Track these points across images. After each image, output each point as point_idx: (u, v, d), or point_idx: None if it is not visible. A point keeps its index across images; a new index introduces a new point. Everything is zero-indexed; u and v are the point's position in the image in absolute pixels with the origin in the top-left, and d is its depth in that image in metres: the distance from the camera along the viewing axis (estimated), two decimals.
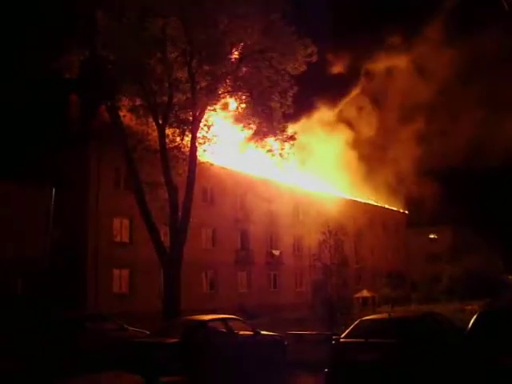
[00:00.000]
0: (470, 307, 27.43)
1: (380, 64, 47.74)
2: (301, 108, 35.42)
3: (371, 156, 50.00)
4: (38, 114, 33.90)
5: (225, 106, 25.32)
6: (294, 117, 27.60)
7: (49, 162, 34.20)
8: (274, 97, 24.22)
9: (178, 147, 24.39)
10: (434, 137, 46.65)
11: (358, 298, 39.15)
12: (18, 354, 17.32)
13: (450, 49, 43.03)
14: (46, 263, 29.57)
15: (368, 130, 49.59)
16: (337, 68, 48.94)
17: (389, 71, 48.08)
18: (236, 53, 23.77)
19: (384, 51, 46.64)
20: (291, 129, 25.43)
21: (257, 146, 25.20)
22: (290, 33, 23.38)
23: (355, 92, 50.10)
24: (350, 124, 49.43)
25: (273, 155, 24.79)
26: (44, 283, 29.51)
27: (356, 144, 49.20)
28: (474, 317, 10.35)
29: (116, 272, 35.24)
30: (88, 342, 17.72)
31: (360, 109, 50.98)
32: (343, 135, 49.33)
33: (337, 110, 49.58)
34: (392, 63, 47.31)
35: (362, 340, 11.69)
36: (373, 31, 47.61)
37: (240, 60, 23.80)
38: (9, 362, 16.74)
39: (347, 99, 50.05)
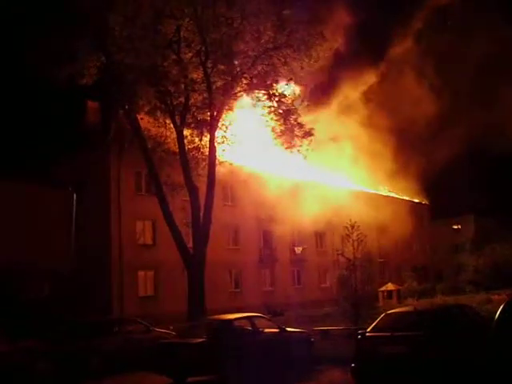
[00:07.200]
0: (496, 297, 27.09)
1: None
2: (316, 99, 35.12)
3: (392, 147, 49.36)
4: (58, 120, 34.28)
5: (242, 105, 25.35)
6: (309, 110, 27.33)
7: (70, 167, 34.52)
8: (290, 94, 24.23)
9: (197, 148, 24.53)
10: (455, 125, 45.74)
11: (382, 291, 38.88)
12: (47, 356, 17.60)
13: None
14: (70, 267, 29.85)
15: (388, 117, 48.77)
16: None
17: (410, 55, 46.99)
18: (250, 51, 23.75)
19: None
20: (309, 123, 25.30)
21: (276, 144, 25.20)
22: (303, 29, 23.34)
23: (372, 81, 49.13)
24: (368, 114, 48.73)
25: (291, 152, 24.78)
26: (69, 287, 29.80)
27: (376, 136, 48.65)
28: (501, 307, 10.23)
29: (141, 274, 35.44)
30: (115, 344, 17.92)
31: (377, 98, 50.11)
32: (363, 127, 48.81)
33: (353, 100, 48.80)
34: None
35: (388, 333, 11.62)
36: None
37: (255, 58, 23.78)
38: (39, 365, 17.01)
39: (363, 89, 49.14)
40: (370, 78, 47.00)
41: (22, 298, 27.64)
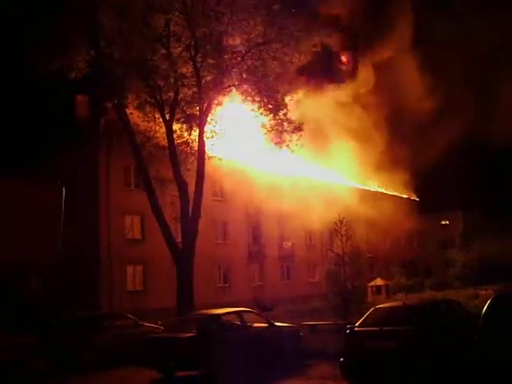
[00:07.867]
0: (483, 292, 27.26)
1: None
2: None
3: (381, 143, 49.38)
4: (47, 114, 34.06)
5: (231, 100, 25.29)
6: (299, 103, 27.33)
7: (59, 161, 34.35)
8: (280, 88, 24.19)
9: (186, 142, 24.45)
10: (446, 120, 45.76)
11: (371, 286, 38.99)
12: (37, 352, 17.59)
13: None
14: (58, 261, 29.75)
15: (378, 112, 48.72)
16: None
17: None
18: (240, 46, 23.70)
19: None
20: (298, 117, 25.30)
21: (266, 139, 25.16)
22: (292, 24, 23.30)
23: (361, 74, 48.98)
24: (358, 109, 48.66)
25: (281, 147, 24.77)
26: (58, 281, 29.71)
27: (365, 130, 48.61)
28: (488, 302, 10.28)
29: (129, 269, 35.38)
30: (105, 339, 17.90)
31: (367, 91, 50.00)
32: (351, 121, 48.75)
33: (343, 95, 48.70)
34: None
35: (377, 328, 11.66)
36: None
37: (244, 53, 23.73)
38: (30, 360, 17.02)
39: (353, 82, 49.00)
40: (365, 65, 47.21)
41: (22, 294, 27.57)
